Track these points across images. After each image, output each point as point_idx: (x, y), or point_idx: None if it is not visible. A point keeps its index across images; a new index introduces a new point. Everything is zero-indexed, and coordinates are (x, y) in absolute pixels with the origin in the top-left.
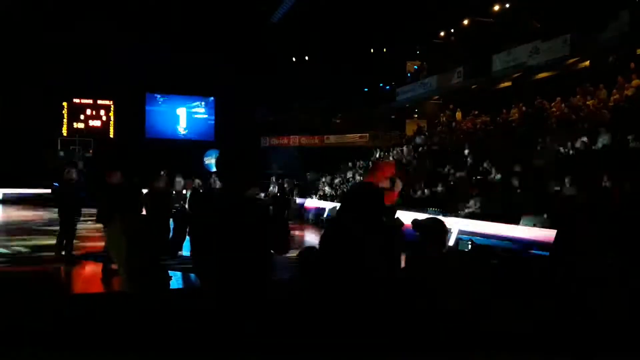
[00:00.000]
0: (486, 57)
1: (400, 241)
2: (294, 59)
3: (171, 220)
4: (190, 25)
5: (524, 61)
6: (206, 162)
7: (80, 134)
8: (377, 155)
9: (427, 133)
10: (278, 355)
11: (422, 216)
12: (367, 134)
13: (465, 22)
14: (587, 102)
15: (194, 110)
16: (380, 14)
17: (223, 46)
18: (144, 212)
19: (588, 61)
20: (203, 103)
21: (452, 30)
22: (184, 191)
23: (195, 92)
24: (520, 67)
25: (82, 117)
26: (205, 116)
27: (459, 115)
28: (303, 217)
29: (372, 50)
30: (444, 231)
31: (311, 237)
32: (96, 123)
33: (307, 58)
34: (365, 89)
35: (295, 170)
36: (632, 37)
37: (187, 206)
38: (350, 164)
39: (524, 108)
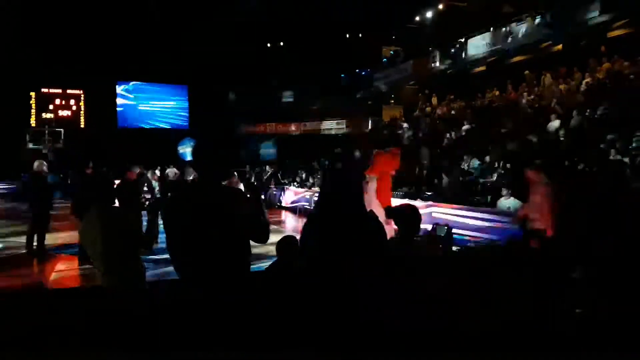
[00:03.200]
0: (461, 42)
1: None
2: (268, 45)
3: (144, 212)
4: (163, 11)
5: (498, 45)
6: (180, 151)
7: (49, 125)
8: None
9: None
10: (260, 347)
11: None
12: (344, 121)
13: (440, 6)
14: (560, 86)
15: (167, 98)
16: None
17: (196, 32)
18: (117, 204)
19: (561, 45)
20: (176, 91)
21: (428, 15)
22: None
23: (168, 80)
24: (495, 51)
25: (51, 107)
26: (179, 104)
27: (434, 100)
28: (282, 205)
29: (347, 36)
30: (418, 217)
31: (290, 226)
32: (66, 113)
33: (281, 44)
34: (342, 75)
35: (273, 158)
36: (603, 21)
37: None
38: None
39: (497, 92)
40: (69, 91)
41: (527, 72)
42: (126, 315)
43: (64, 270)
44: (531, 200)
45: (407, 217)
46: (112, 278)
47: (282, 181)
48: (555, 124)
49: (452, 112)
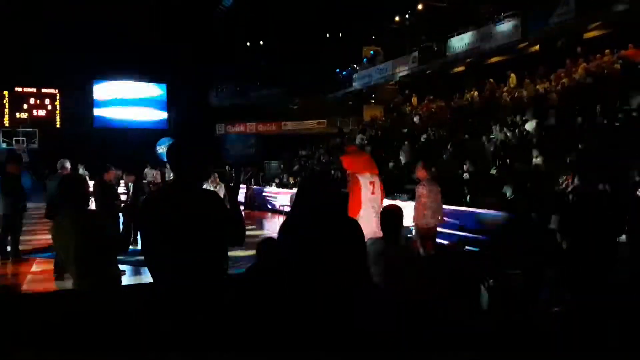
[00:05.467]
0: (440, 42)
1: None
2: (248, 44)
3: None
4: (142, 9)
5: (476, 45)
6: (159, 151)
7: (23, 125)
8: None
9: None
10: (234, 351)
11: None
12: (325, 120)
13: (420, 6)
14: (537, 86)
15: (145, 97)
16: None
17: (175, 31)
18: (92, 206)
19: (538, 45)
20: (155, 90)
21: (407, 15)
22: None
23: (146, 79)
24: (473, 51)
25: (25, 106)
26: (158, 104)
27: (414, 100)
28: (261, 206)
29: (327, 35)
30: (398, 218)
31: (269, 227)
32: (41, 113)
33: (261, 43)
34: (322, 75)
35: (253, 158)
36: (578, 22)
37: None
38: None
39: (476, 93)
40: (44, 90)
41: (491, 80)
42: (100, 318)
43: (38, 274)
44: (417, 197)
45: (388, 218)
46: (86, 282)
47: (262, 181)
48: (532, 123)
49: (432, 110)
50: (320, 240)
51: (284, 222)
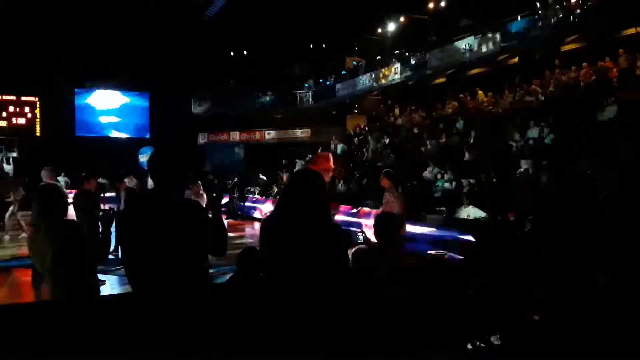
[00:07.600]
0: (422, 54)
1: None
2: (232, 54)
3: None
4: (124, 17)
5: (457, 58)
6: (141, 159)
7: (2, 133)
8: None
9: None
10: None
11: None
12: (309, 130)
13: (402, 19)
14: (515, 97)
15: (128, 106)
16: (319, 9)
17: (158, 40)
18: (72, 215)
19: (517, 57)
20: (138, 98)
21: (389, 27)
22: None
23: (129, 87)
24: (454, 63)
25: (4, 114)
26: (140, 112)
27: (397, 110)
28: (244, 215)
29: (311, 46)
30: (395, 222)
31: (252, 236)
32: (20, 121)
33: (245, 52)
34: (306, 84)
35: (236, 167)
36: (556, 35)
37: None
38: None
39: (454, 103)
40: (23, 98)
41: (461, 95)
42: (75, 329)
43: (16, 284)
44: (384, 203)
45: (383, 224)
46: (62, 292)
47: (247, 189)
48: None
49: (414, 122)
50: (297, 239)
51: (265, 219)
